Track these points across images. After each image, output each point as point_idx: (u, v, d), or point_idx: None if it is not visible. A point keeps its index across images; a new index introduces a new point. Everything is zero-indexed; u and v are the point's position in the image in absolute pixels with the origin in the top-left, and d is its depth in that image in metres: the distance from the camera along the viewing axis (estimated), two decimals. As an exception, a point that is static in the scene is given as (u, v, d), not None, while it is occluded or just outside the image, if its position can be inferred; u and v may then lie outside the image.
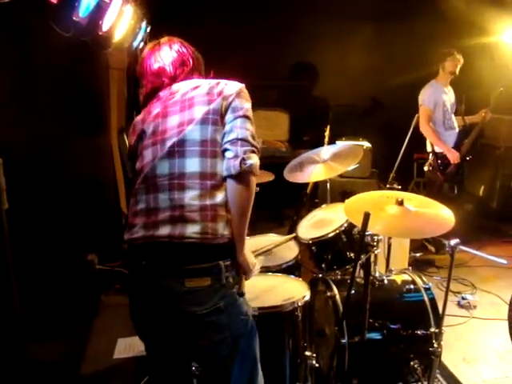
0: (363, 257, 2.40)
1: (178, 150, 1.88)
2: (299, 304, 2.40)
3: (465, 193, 5.35)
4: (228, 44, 5.78)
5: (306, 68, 6.58)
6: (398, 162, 3.52)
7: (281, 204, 6.11)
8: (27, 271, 2.91)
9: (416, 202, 2.49)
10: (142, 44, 4.33)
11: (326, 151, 3.52)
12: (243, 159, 1.83)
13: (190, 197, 1.83)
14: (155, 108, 2.02)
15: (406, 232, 2.48)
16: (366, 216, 2.12)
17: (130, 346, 3.53)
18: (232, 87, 2.01)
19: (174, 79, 2.09)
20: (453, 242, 2.30)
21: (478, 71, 5.44)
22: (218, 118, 1.93)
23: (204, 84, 2.03)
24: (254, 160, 1.87)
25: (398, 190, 3.18)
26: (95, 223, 4.05)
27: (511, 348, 3.48)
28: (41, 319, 3.17)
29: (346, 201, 2.60)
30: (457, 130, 5.10)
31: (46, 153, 3.17)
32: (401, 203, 2.41)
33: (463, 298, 4.21)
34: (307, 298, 2.47)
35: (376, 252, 2.64)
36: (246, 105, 2.00)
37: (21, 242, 2.44)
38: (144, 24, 4.11)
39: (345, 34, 6.18)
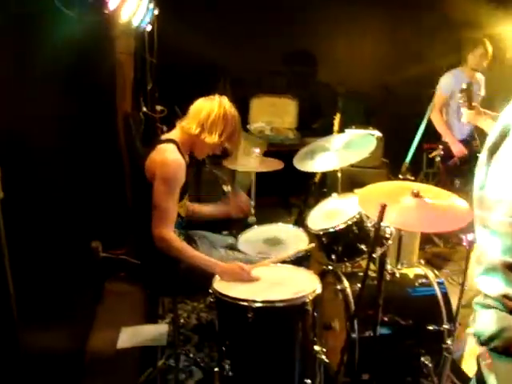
0: (378, 250, 2.32)
1: None
2: (310, 298, 2.32)
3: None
4: (237, 30, 5.68)
5: (317, 55, 6.47)
6: (411, 151, 3.42)
7: (288, 192, 6.03)
8: (29, 259, 2.86)
9: (432, 194, 2.40)
10: (149, 27, 4.22)
11: (337, 140, 3.44)
12: None
13: None
14: None
15: (422, 225, 2.39)
16: (383, 208, 2.03)
17: (133, 336, 3.47)
18: None
19: None
20: (470, 236, 2.22)
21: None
22: None
23: None
24: None
25: (412, 180, 3.09)
26: (99, 210, 3.98)
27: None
28: (44, 307, 3.12)
29: (360, 191, 2.52)
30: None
31: (48, 137, 3.10)
32: (417, 195, 2.32)
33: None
34: (318, 291, 2.39)
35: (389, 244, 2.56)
36: None
37: (22, 230, 2.38)
38: (152, 6, 4.00)
39: (355, 20, 6.05)
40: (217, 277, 2.54)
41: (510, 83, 4.78)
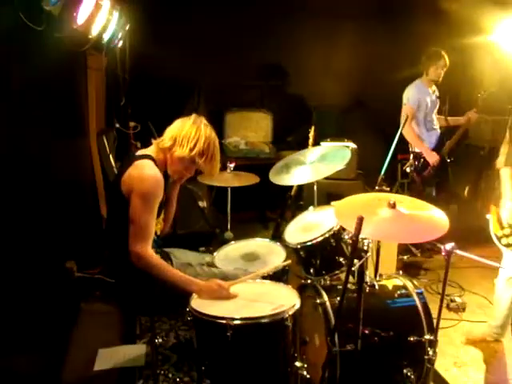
0: (356, 263, 2.30)
1: None
2: (289, 313, 2.29)
3: (450, 194, 5.30)
4: (210, 44, 5.68)
5: (289, 68, 6.48)
6: (387, 162, 3.43)
7: (265, 206, 6.01)
8: (2, 281, 2.78)
9: (408, 205, 2.39)
10: (120, 43, 4.18)
11: (312, 153, 3.44)
12: None
13: None
14: None
15: (399, 236, 2.39)
16: (360, 220, 2.01)
17: (110, 357, 3.39)
18: None
19: None
20: (448, 245, 2.21)
21: (464, 71, 5.41)
22: None
23: None
24: None
25: (387, 192, 3.09)
26: (73, 229, 3.91)
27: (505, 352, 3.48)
28: (17, 330, 3.05)
29: (336, 203, 2.51)
30: (438, 130, 5.11)
31: (22, 156, 3.04)
32: (393, 206, 2.32)
33: (452, 301, 4.14)
34: (297, 306, 2.36)
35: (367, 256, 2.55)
36: None
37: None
38: (123, 21, 3.96)
39: (328, 33, 6.10)
40: (194, 295, 2.49)
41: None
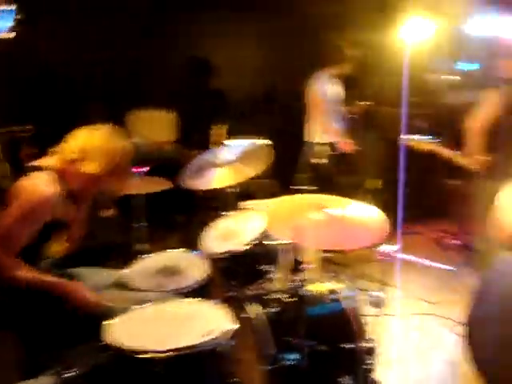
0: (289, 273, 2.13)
1: None
2: (225, 337, 2.03)
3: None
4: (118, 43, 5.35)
5: (197, 64, 6.23)
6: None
7: (171, 210, 5.71)
8: None
9: (339, 205, 2.24)
10: (10, 33, 3.77)
11: (227, 152, 3.24)
12: None
13: None
14: None
15: (338, 243, 2.21)
16: (296, 230, 1.83)
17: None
18: None
19: None
20: (390, 248, 2.08)
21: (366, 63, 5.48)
22: None
23: None
24: None
25: (311, 191, 2.94)
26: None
27: (428, 345, 3.50)
28: None
29: (265, 208, 2.32)
30: (343, 120, 5.18)
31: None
32: (324, 208, 2.15)
33: (371, 296, 4.10)
34: (233, 328, 2.09)
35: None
36: None
37: None
38: (14, 7, 3.52)
39: (235, 26, 5.99)
40: (108, 323, 2.18)
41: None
